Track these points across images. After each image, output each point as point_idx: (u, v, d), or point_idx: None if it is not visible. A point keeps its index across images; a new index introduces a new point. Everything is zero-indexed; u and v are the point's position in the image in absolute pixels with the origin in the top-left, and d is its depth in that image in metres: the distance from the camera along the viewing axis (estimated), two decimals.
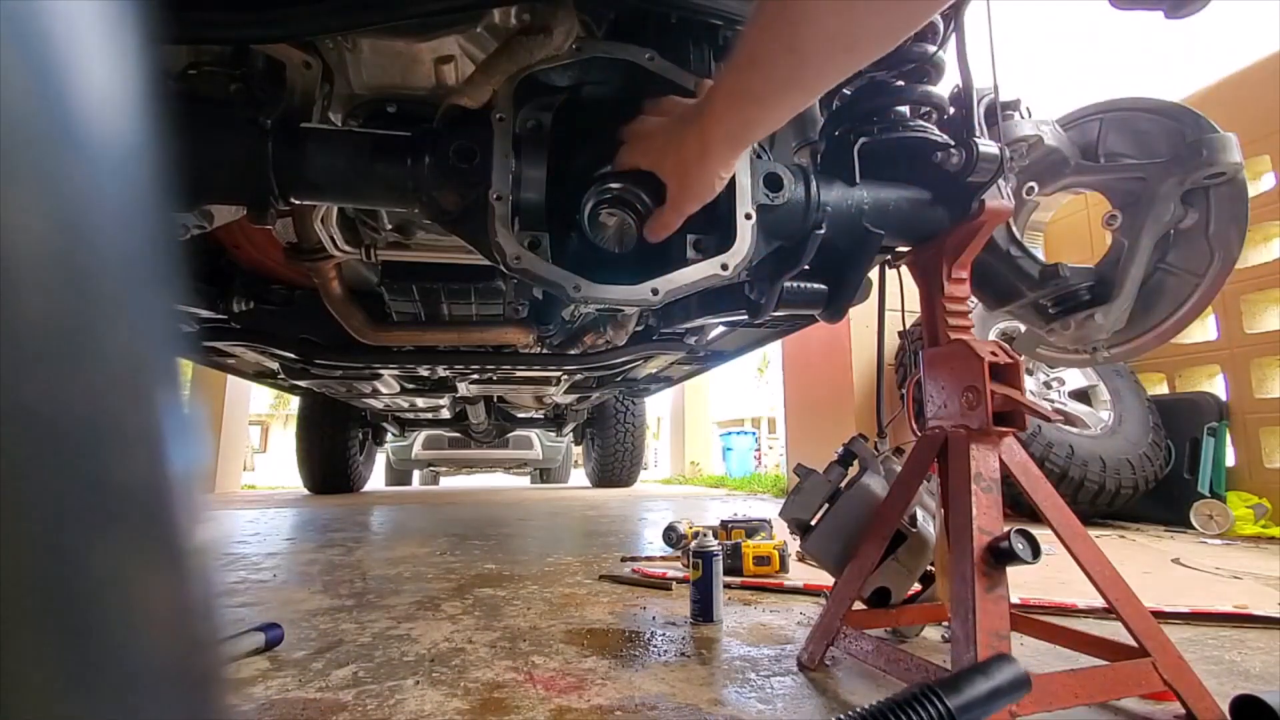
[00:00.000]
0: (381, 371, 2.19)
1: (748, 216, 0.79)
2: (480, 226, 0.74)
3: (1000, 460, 0.86)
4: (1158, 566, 1.90)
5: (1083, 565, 0.84)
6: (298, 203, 0.84)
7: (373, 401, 3.10)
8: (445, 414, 3.81)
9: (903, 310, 1.37)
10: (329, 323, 1.59)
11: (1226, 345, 3.04)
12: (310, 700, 0.86)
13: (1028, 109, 1.07)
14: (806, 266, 0.88)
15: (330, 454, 4.47)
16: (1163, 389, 3.35)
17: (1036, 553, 0.77)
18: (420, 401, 3.10)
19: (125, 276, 0.15)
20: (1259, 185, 2.94)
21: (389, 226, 1.28)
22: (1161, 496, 2.88)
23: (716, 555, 1.24)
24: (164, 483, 0.16)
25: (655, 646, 1.09)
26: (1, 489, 0.12)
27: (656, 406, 10.91)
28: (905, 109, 0.96)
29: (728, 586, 1.50)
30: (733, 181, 0.79)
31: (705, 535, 1.35)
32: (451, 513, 3.39)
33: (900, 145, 0.92)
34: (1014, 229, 1.09)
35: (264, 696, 0.87)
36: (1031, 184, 1.09)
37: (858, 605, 1.02)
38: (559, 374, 2.32)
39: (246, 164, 0.78)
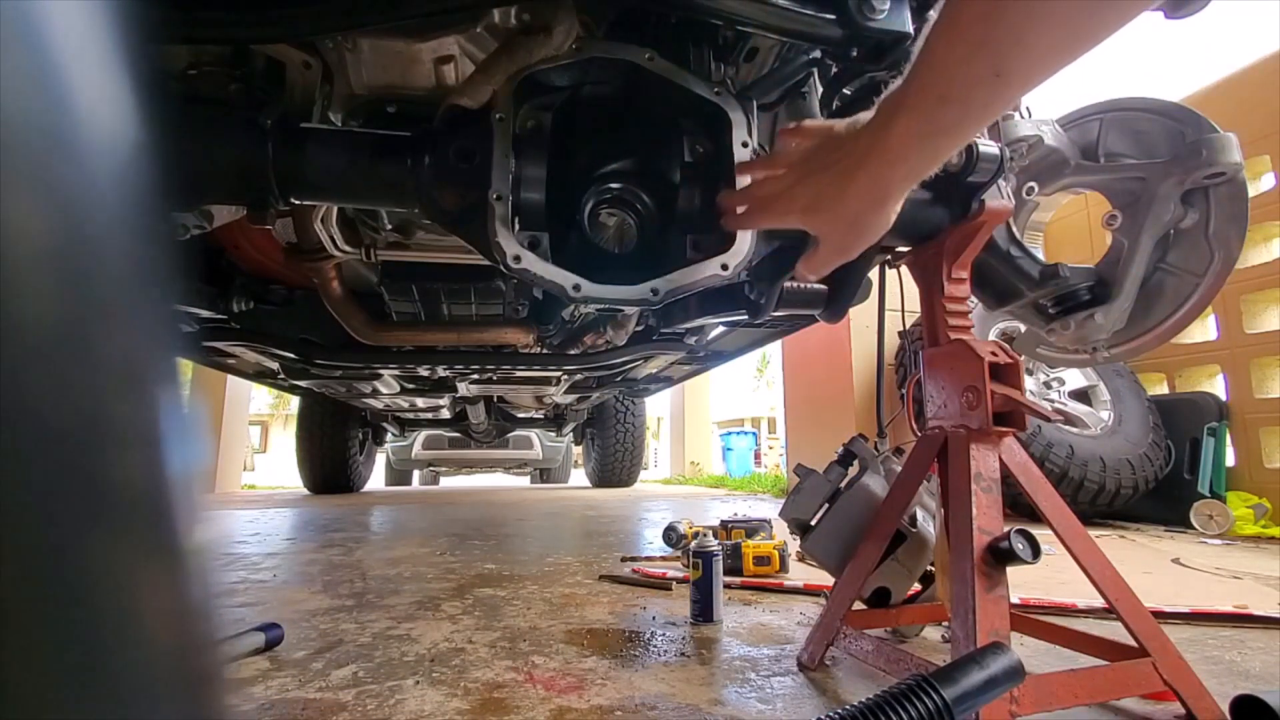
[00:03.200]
0: (381, 371, 2.19)
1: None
2: (480, 226, 0.74)
3: (1000, 460, 0.86)
4: (1158, 566, 1.90)
5: (1083, 565, 0.84)
6: (298, 203, 0.84)
7: (373, 401, 3.10)
8: (445, 414, 3.81)
9: (903, 310, 1.37)
10: (329, 323, 1.59)
11: (1226, 345, 3.04)
12: (310, 700, 0.86)
13: (1028, 109, 1.07)
14: None
15: (330, 454, 4.47)
16: (1163, 389, 3.35)
17: (1036, 553, 0.77)
18: (420, 401, 3.10)
19: (125, 276, 0.15)
20: (1259, 185, 2.94)
21: (389, 226, 1.28)
22: (1161, 496, 2.88)
23: (716, 555, 1.24)
24: (164, 483, 0.16)
25: (655, 646, 1.09)
26: (1, 489, 0.12)
27: (656, 406, 10.92)
28: None
29: (728, 586, 1.50)
30: (733, 182, 0.79)
31: (705, 535, 1.35)
32: (451, 513, 3.39)
33: None
34: (1014, 229, 1.09)
35: (264, 696, 0.87)
36: (1031, 184, 1.09)
37: (858, 605, 1.02)
38: (559, 374, 2.32)
39: (246, 164, 0.78)
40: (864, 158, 0.60)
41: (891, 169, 0.59)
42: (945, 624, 1.10)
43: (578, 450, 6.50)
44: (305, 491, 4.77)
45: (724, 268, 0.77)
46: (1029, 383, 3.02)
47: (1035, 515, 0.86)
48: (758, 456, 10.32)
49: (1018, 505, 1.40)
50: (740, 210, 0.73)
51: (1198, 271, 1.04)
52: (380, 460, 6.42)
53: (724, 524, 1.94)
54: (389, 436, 5.02)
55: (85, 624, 0.13)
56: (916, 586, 1.11)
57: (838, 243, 0.68)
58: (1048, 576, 1.58)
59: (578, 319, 1.83)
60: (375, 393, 2.67)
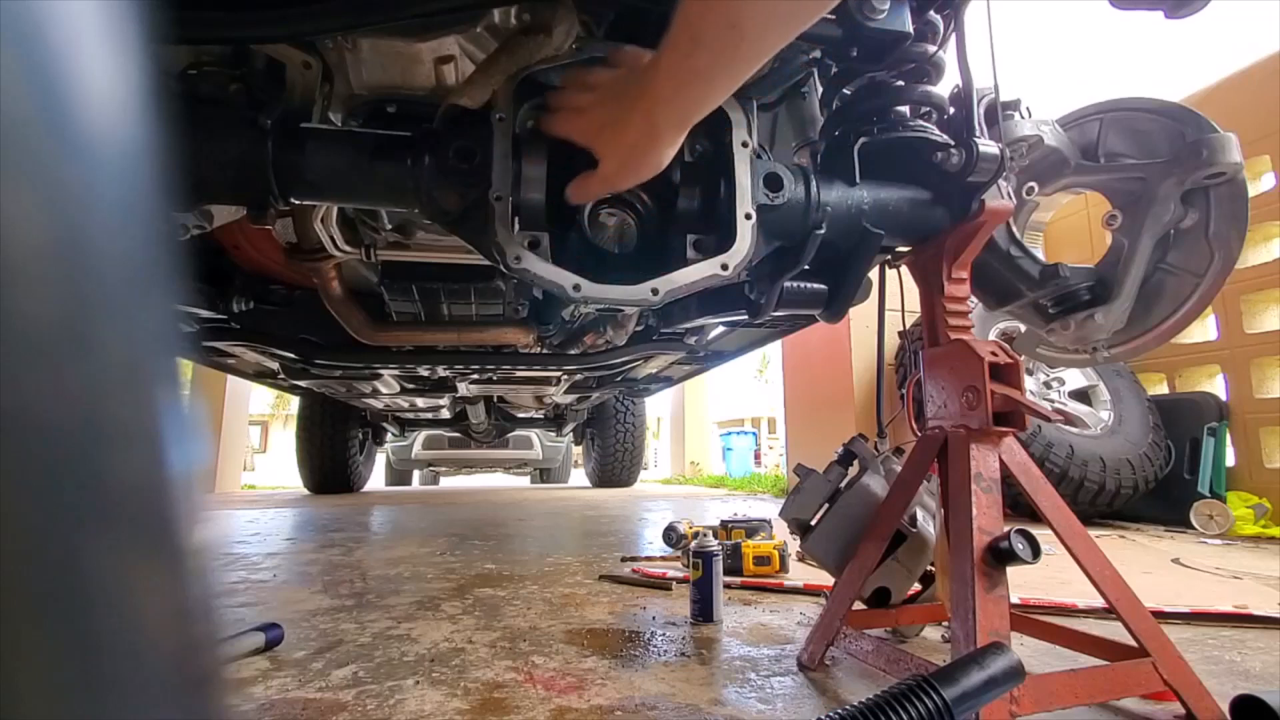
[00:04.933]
0: (381, 371, 2.19)
1: (748, 216, 0.79)
2: (480, 226, 0.74)
3: (1000, 460, 0.86)
4: (1158, 566, 1.90)
5: (1083, 565, 0.84)
6: (298, 203, 0.84)
7: (373, 401, 3.10)
8: (445, 414, 3.81)
9: (903, 310, 1.37)
10: (329, 323, 1.59)
11: (1226, 345, 3.04)
12: (310, 700, 0.86)
13: (1028, 109, 1.07)
14: (806, 266, 0.88)
15: (330, 454, 4.47)
16: (1163, 389, 3.35)
17: (1036, 553, 0.77)
18: (420, 401, 3.10)
19: (125, 276, 0.15)
20: (1259, 185, 2.94)
21: (389, 226, 1.28)
22: (1161, 496, 2.88)
23: (716, 555, 1.24)
24: (164, 483, 0.16)
25: (655, 646, 1.09)
26: (1, 489, 0.12)
27: (656, 406, 10.91)
28: (905, 109, 0.96)
29: (728, 586, 1.50)
30: (733, 181, 0.79)
31: (705, 535, 1.35)
32: (451, 513, 3.39)
33: (900, 145, 0.92)
34: (1014, 229, 1.09)
35: (264, 696, 0.87)
36: (1031, 184, 1.09)
37: (858, 605, 1.02)
38: (559, 374, 2.32)
39: (246, 164, 0.77)
40: (642, 92, 0.65)
41: (660, 107, 0.64)
42: (945, 624, 1.10)
43: (578, 450, 6.50)
44: (305, 491, 4.77)
45: (724, 268, 0.77)
46: (1029, 383, 3.02)
47: (1035, 515, 0.86)
48: (758, 456, 10.32)
49: (1018, 505, 1.40)
50: (549, 116, 0.75)
51: (1198, 271, 1.04)
52: (380, 460, 6.43)
53: (724, 524, 1.94)
54: (389, 436, 5.02)
55: (85, 624, 0.13)
56: (916, 586, 1.11)
57: (613, 169, 0.70)
58: (1048, 576, 1.58)
59: (578, 319, 1.83)
60: (375, 393, 2.67)
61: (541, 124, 0.76)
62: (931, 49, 0.93)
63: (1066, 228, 3.83)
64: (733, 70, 0.61)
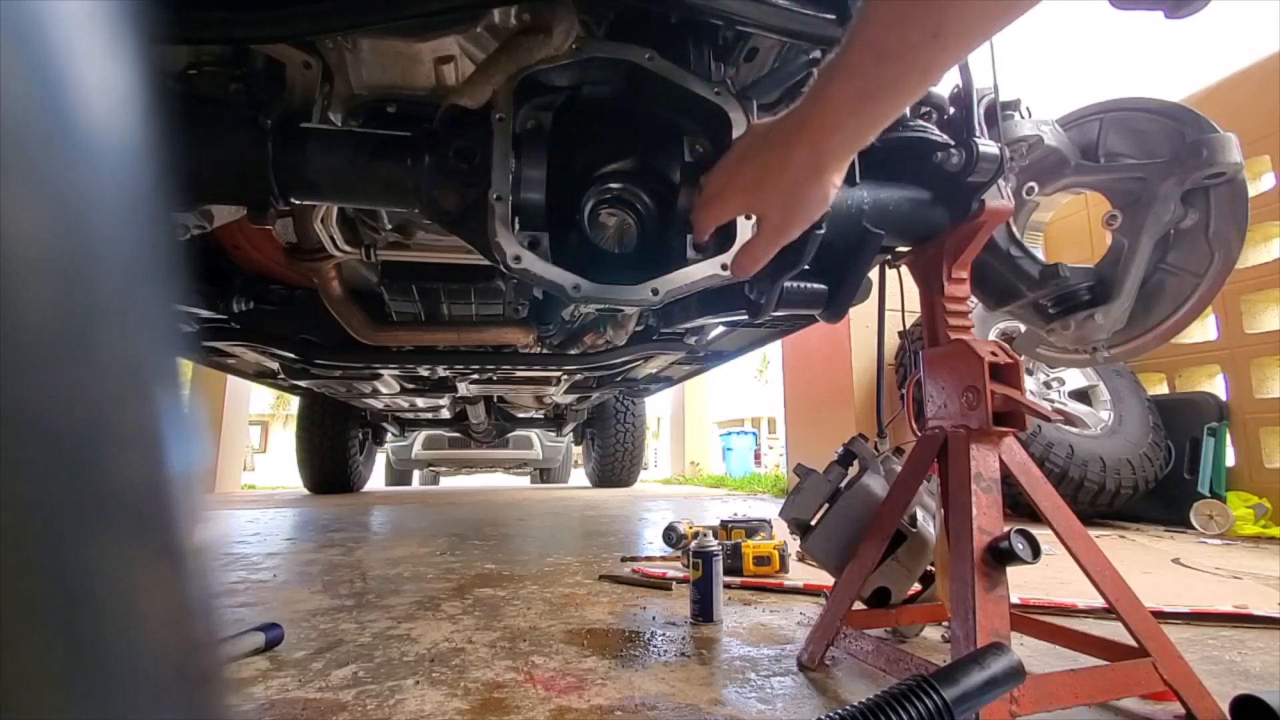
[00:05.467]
0: (381, 371, 2.19)
1: (748, 217, 0.79)
2: (480, 226, 0.74)
3: (1000, 460, 0.86)
4: (1158, 566, 1.90)
5: (1083, 565, 0.84)
6: (298, 203, 0.84)
7: (373, 401, 3.10)
8: (445, 414, 3.81)
9: (903, 310, 1.37)
10: (329, 323, 1.59)
11: (1226, 345, 3.04)
12: (310, 700, 0.86)
13: (1028, 109, 1.07)
14: (806, 266, 0.88)
15: (330, 454, 4.47)
16: (1163, 389, 3.35)
17: (1036, 553, 0.77)
18: (420, 401, 3.10)
19: (125, 276, 0.15)
20: (1259, 185, 2.94)
21: (389, 226, 1.28)
22: (1161, 496, 2.88)
23: (716, 555, 1.24)
24: (164, 483, 0.16)
25: (655, 646, 1.09)
26: (1, 489, 0.12)
27: (656, 406, 10.91)
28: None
29: (728, 586, 1.50)
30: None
31: (705, 535, 1.35)
32: (451, 513, 3.39)
33: (900, 145, 0.92)
34: (1014, 229, 1.09)
35: (264, 696, 0.87)
36: (1031, 184, 1.09)
37: (858, 605, 1.02)
38: (559, 374, 2.32)
39: (246, 164, 0.77)
40: (801, 126, 0.60)
41: (830, 134, 0.59)
42: (945, 624, 1.10)
43: (578, 450, 6.50)
44: (305, 491, 4.77)
45: (724, 268, 0.77)
46: (1029, 383, 3.02)
47: (1035, 515, 0.86)
48: (758, 456, 10.32)
49: (1018, 505, 1.40)
50: (695, 213, 0.73)
51: (1198, 271, 1.04)
52: (380, 460, 6.43)
53: (724, 524, 1.94)
54: (389, 436, 5.03)
55: (85, 624, 0.13)
56: (916, 586, 1.11)
57: (778, 221, 0.67)
58: (1048, 576, 1.58)
59: (578, 319, 1.83)
60: (375, 393, 2.67)
61: (696, 231, 0.72)
62: None
63: (1066, 228, 3.83)
64: (921, 85, 0.55)
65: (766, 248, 0.70)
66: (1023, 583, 1.50)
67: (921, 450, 0.94)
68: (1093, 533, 0.92)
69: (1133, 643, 0.82)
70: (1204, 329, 3.12)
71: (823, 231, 0.86)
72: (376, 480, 6.03)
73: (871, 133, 0.60)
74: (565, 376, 2.46)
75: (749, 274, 0.72)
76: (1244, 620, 1.27)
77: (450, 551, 2.07)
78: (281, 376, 2.34)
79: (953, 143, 0.89)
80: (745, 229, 0.79)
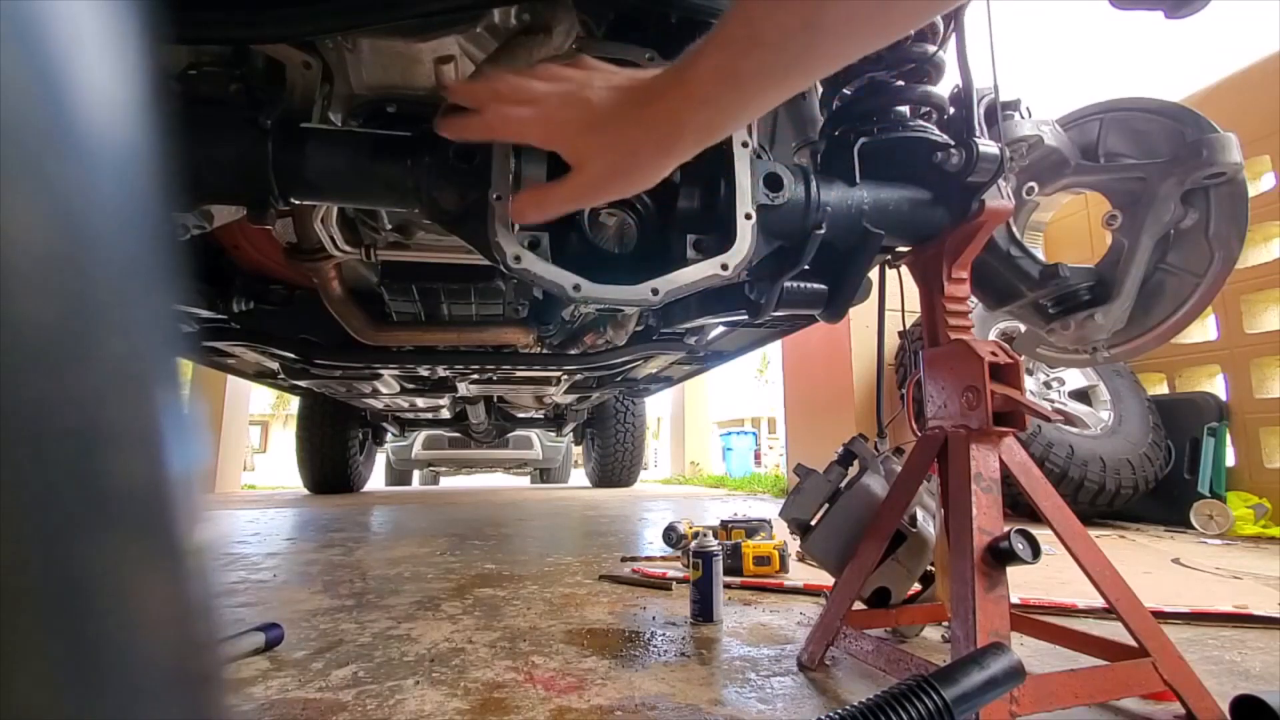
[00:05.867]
0: (381, 371, 2.19)
1: (748, 216, 0.79)
2: (480, 226, 0.74)
3: (1000, 460, 0.86)
4: (1158, 566, 1.90)
5: (1083, 565, 0.84)
6: (298, 203, 0.84)
7: (373, 401, 3.10)
8: (445, 414, 3.81)
9: (903, 310, 1.37)
10: (329, 323, 1.59)
11: (1226, 345, 3.04)
12: (310, 700, 0.86)
13: (1028, 109, 1.07)
14: (806, 266, 0.88)
15: (330, 454, 4.47)
16: (1163, 389, 3.35)
17: (1036, 553, 0.77)
18: (420, 401, 3.10)
19: (125, 277, 0.15)
20: (1259, 185, 2.94)
21: (389, 226, 1.28)
22: (1161, 496, 2.88)
23: (716, 555, 1.24)
24: (164, 483, 0.16)
25: (655, 646, 1.09)
26: (1, 489, 0.12)
27: (656, 406, 10.92)
28: (905, 109, 0.96)
29: (728, 586, 1.50)
30: (733, 181, 0.79)
31: (705, 535, 1.35)
32: (451, 513, 3.39)
33: (900, 145, 0.92)
34: (1014, 229, 1.09)
35: (264, 696, 0.87)
36: (1031, 184, 1.09)
37: (858, 605, 1.02)
38: (559, 374, 2.32)
39: (246, 164, 0.78)
40: (663, 91, 0.55)
41: (691, 107, 0.54)
42: (945, 624, 1.10)
43: (578, 450, 6.50)
44: (305, 491, 4.77)
45: (724, 268, 0.77)
46: (1029, 383, 3.02)
47: (1035, 515, 0.86)
48: (758, 456, 10.32)
49: (1018, 505, 1.40)
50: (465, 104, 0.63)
51: (1198, 272, 1.04)
52: (380, 460, 6.43)
53: (724, 524, 1.94)
54: (389, 436, 5.02)
55: (85, 624, 0.13)
56: (916, 586, 1.11)
57: (598, 174, 0.59)
58: (1048, 576, 1.58)
59: (578, 319, 1.83)
60: (375, 393, 2.67)
61: (442, 126, 0.64)
62: (931, 49, 0.93)
63: (1066, 228, 3.83)
64: (789, 78, 0.52)
65: (563, 199, 0.62)
66: (1023, 583, 1.50)
67: (921, 450, 0.94)
68: (1093, 533, 0.92)
69: (1133, 643, 0.82)
70: (1204, 329, 3.12)
71: (823, 231, 0.86)
72: (376, 480, 6.03)
73: (737, 121, 0.56)
74: (565, 376, 2.46)
75: (524, 220, 0.64)
76: (1244, 620, 1.27)
77: (450, 551, 2.07)
78: (281, 376, 2.34)
79: (953, 143, 0.89)
80: (745, 230, 0.79)
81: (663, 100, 0.55)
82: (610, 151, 0.58)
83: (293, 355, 1.79)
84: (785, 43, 0.49)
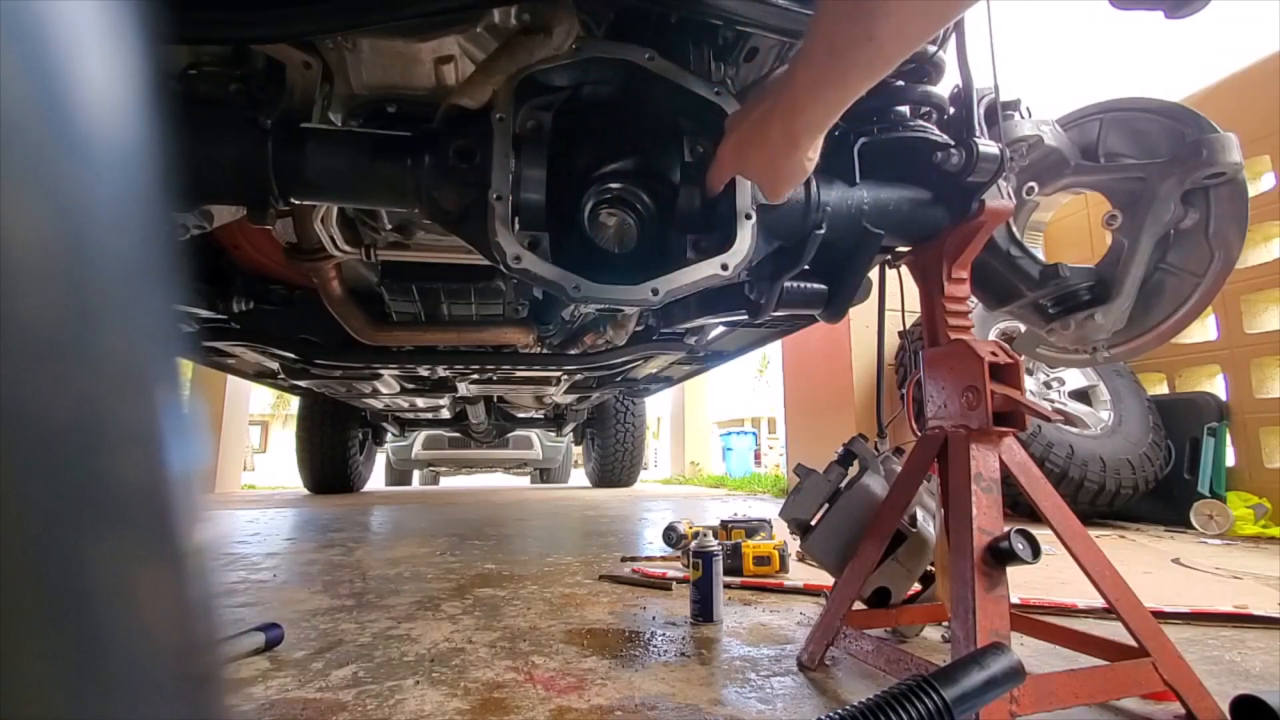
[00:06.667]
0: (381, 371, 2.19)
1: (748, 216, 0.79)
2: (480, 226, 0.74)
3: (1000, 460, 0.86)
4: (1158, 566, 1.90)
5: (1083, 565, 0.84)
6: (298, 203, 0.84)
7: (373, 401, 3.10)
8: (445, 414, 3.81)
9: (903, 310, 1.37)
10: (329, 323, 1.59)
11: (1226, 345, 3.04)
12: (310, 700, 0.86)
13: (1028, 109, 1.07)
14: (806, 266, 0.88)
15: (330, 454, 4.48)
16: (1163, 389, 3.35)
17: (1036, 553, 0.77)
18: (420, 401, 3.10)
19: (125, 276, 0.15)
20: (1259, 185, 2.94)
21: (389, 226, 1.28)
22: (1161, 496, 2.88)
23: (716, 555, 1.24)
24: (163, 483, 0.16)
25: (655, 646, 1.09)
26: (1, 489, 0.12)
27: (656, 406, 10.91)
28: (905, 109, 0.96)
29: (728, 586, 1.50)
30: (733, 181, 0.79)
31: (705, 535, 1.35)
32: (451, 513, 3.39)
33: (900, 145, 0.92)
34: (1014, 229, 1.09)
35: (264, 696, 0.87)
36: (1031, 184, 1.09)
37: (858, 605, 1.02)
38: (559, 374, 2.32)
39: (246, 164, 0.78)
40: (774, 106, 0.68)
41: (796, 117, 0.67)
42: (945, 624, 1.10)
43: (578, 450, 6.50)
44: (305, 491, 4.77)
45: (724, 268, 0.77)
46: (1029, 383, 3.02)
47: (1035, 515, 0.86)
48: (758, 456, 10.32)
49: (1018, 505, 1.39)
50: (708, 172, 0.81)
51: (1198, 271, 1.04)
52: (380, 460, 6.43)
53: (724, 524, 1.94)
54: (389, 436, 5.03)
55: (85, 624, 0.13)
56: (916, 586, 1.11)
57: (765, 185, 0.75)
58: (1048, 576, 1.58)
59: (578, 319, 1.83)
60: (375, 393, 2.67)
61: (712, 179, 0.80)
62: (931, 49, 0.93)
63: (1066, 228, 3.83)
64: (865, 78, 0.63)
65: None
66: (1023, 583, 1.50)
67: (921, 450, 0.94)
68: (1093, 533, 0.92)
69: (1133, 643, 0.82)
70: (1204, 329, 3.12)
71: (823, 231, 0.86)
72: (376, 480, 6.03)
73: (832, 115, 0.67)
74: (565, 376, 2.46)
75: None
76: (1244, 620, 1.27)
77: (450, 551, 2.07)
78: (281, 376, 2.34)
79: (953, 143, 0.89)
80: (745, 230, 0.79)
81: (776, 117, 0.69)
82: (762, 165, 0.73)
83: (293, 355, 1.79)
84: (854, 54, 0.60)
